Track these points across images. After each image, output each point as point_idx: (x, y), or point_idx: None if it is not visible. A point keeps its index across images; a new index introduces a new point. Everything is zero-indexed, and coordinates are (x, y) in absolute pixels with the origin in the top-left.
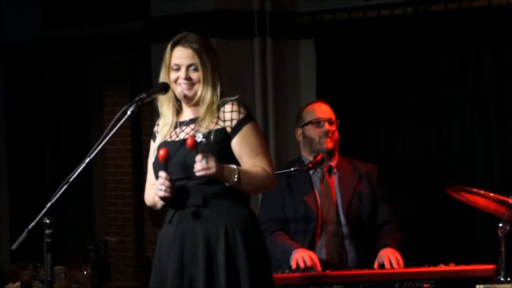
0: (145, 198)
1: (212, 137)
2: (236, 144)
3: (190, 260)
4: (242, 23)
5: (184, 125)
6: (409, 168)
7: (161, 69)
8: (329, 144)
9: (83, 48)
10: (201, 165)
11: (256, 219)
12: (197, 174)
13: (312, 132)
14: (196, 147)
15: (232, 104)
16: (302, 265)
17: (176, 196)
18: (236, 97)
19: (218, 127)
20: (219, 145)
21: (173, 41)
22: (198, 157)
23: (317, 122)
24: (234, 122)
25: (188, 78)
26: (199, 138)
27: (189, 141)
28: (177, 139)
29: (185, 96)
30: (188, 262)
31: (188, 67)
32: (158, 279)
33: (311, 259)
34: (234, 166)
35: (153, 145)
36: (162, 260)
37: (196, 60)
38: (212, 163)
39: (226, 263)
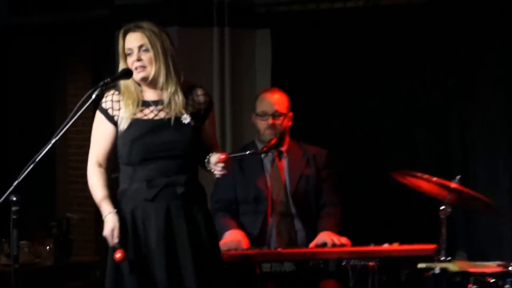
0: (89, 179)
1: (196, 118)
2: (207, 125)
3: (176, 230)
4: (202, 12)
5: (159, 104)
6: (358, 153)
7: (119, 59)
8: (271, 136)
9: (48, 34)
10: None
11: None
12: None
13: (259, 123)
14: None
15: (202, 89)
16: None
17: (157, 175)
18: (200, 85)
19: (195, 109)
20: (199, 125)
21: (124, 29)
22: (221, 164)
23: (262, 115)
24: (206, 105)
25: (139, 59)
26: (186, 119)
27: (223, 157)
28: (157, 117)
29: (142, 78)
30: (174, 233)
31: (139, 48)
32: (133, 250)
33: (236, 245)
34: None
35: (105, 122)
36: (139, 236)
37: (146, 41)
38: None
39: (205, 227)
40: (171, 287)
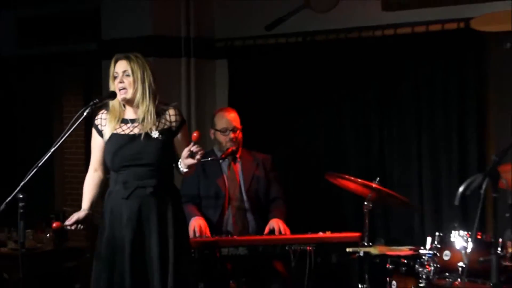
0: (86, 181)
1: (166, 134)
2: (178, 139)
3: (146, 224)
4: (172, 46)
5: (136, 122)
6: (297, 158)
7: (109, 80)
8: (233, 147)
9: (48, 62)
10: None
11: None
12: (199, 155)
13: (221, 137)
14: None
15: (175, 109)
16: (191, 234)
17: (131, 178)
18: (175, 103)
19: (167, 126)
20: (169, 139)
21: (115, 57)
22: (194, 148)
23: (224, 131)
24: (178, 123)
25: (121, 82)
26: (155, 134)
27: (195, 135)
28: (131, 133)
29: (123, 99)
30: (144, 226)
31: (123, 73)
32: (110, 239)
33: (200, 228)
34: None
35: (96, 136)
36: (115, 225)
37: (128, 67)
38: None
39: (174, 223)
40: (132, 274)
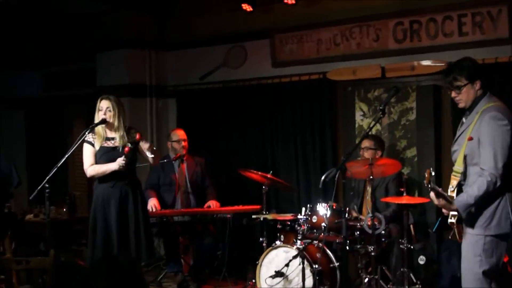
0: (91, 172)
1: (134, 145)
2: (141, 146)
3: (125, 201)
4: (141, 90)
5: (115, 139)
6: (221, 160)
7: (97, 112)
8: (183, 152)
9: (62, 101)
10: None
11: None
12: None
13: (176, 146)
14: (130, 149)
15: (135, 130)
16: (149, 209)
17: (115, 174)
18: (136, 129)
19: (133, 140)
20: (136, 148)
21: (101, 97)
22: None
23: (178, 142)
24: (139, 138)
25: (105, 114)
26: (129, 145)
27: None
28: (112, 146)
29: (106, 125)
30: (125, 202)
31: (106, 109)
32: (102, 214)
33: (154, 205)
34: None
35: (91, 147)
36: (105, 205)
37: (110, 105)
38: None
39: (141, 200)
40: (119, 241)
